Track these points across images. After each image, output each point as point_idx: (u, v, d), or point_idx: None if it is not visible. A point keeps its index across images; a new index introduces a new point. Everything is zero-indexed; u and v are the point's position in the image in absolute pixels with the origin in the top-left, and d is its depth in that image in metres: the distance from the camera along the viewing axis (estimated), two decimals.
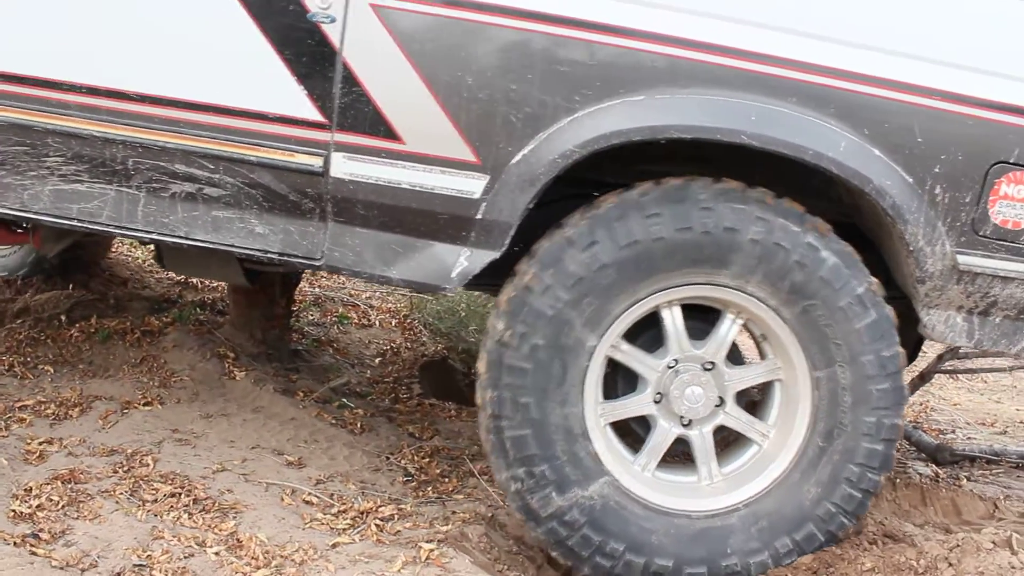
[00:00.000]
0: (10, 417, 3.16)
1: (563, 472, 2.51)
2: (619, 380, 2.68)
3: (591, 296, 2.45)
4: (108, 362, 3.73)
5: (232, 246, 2.65)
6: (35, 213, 2.72)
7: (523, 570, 2.70)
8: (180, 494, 2.78)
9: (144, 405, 3.36)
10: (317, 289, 5.08)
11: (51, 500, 2.64)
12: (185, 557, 2.45)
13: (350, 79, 2.41)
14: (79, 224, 2.71)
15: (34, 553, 2.35)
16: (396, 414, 3.76)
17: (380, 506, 2.83)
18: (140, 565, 2.38)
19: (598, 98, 2.36)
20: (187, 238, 2.65)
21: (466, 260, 2.51)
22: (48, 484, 2.73)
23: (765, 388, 2.74)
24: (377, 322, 4.94)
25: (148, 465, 2.93)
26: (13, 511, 2.55)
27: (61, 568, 2.31)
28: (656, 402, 2.61)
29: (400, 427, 3.59)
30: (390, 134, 2.43)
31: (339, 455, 3.19)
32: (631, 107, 2.36)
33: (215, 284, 4.93)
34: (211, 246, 2.66)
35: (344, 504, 2.83)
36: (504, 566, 2.67)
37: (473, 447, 3.46)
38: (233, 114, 2.49)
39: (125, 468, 2.91)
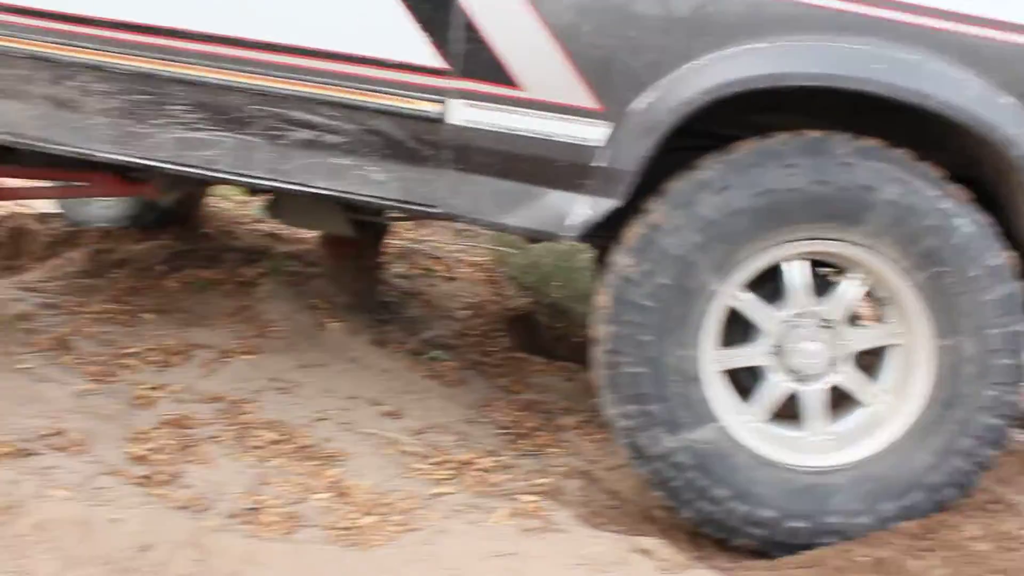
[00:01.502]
0: (118, 364, 3.25)
1: (675, 413, 2.52)
2: (734, 329, 2.67)
3: (720, 240, 2.44)
4: (205, 311, 3.82)
5: (350, 193, 2.67)
6: (158, 161, 2.78)
7: (621, 524, 2.71)
8: (283, 441, 2.85)
9: (242, 354, 3.43)
10: (403, 241, 5.12)
11: (164, 444, 2.73)
12: (294, 502, 2.51)
13: (470, 25, 2.41)
14: (199, 171, 2.76)
15: (154, 493, 2.44)
16: (486, 367, 3.79)
17: (478, 458, 2.87)
18: (252, 508, 2.45)
19: (720, 45, 2.33)
20: (305, 185, 2.69)
21: (585, 208, 2.50)
22: (159, 429, 2.82)
23: (879, 352, 2.71)
24: (463, 275, 4.97)
25: (250, 412, 3.01)
26: (130, 453, 2.64)
27: (180, 509, 2.39)
28: (771, 354, 2.60)
29: (491, 380, 3.62)
30: (509, 81, 2.43)
31: (434, 406, 3.24)
32: (754, 54, 2.32)
33: (304, 236, 5.00)
34: (329, 193, 2.69)
35: (443, 455, 2.87)
36: (602, 520, 2.69)
37: (564, 401, 3.48)
38: (353, 61, 2.50)
39: (229, 415, 2.99)
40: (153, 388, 3.10)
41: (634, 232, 2.50)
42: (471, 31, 2.42)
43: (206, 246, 4.56)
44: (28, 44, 2.74)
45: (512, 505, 2.57)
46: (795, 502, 2.57)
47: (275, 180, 2.72)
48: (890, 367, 2.65)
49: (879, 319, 2.72)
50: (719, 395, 2.59)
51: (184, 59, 2.62)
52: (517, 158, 2.51)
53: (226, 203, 5.55)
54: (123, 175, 3.60)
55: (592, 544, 2.36)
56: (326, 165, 2.65)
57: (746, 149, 2.44)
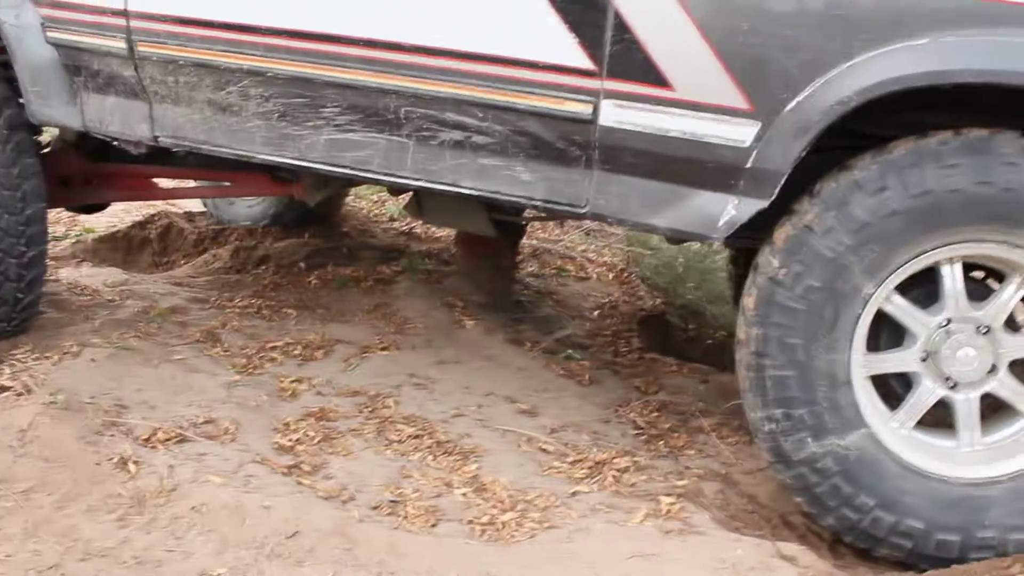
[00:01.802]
0: (263, 356, 3.37)
1: (822, 418, 2.46)
2: (883, 333, 2.59)
3: (874, 243, 2.37)
4: (344, 307, 3.92)
5: (498, 193, 2.70)
6: (311, 162, 2.87)
7: (759, 528, 2.66)
8: (423, 436, 2.90)
9: (381, 350, 3.51)
10: (535, 242, 5.15)
11: (307, 435, 2.81)
12: (434, 496, 2.56)
13: (621, 26, 2.39)
14: (351, 172, 2.84)
15: (300, 483, 2.51)
16: (619, 367, 3.77)
17: (614, 457, 2.85)
18: (394, 501, 2.51)
19: (878, 42, 2.25)
20: (454, 185, 2.72)
21: (734, 209, 2.46)
22: (303, 420, 2.91)
23: None
24: (594, 275, 4.96)
25: (390, 407, 3.07)
26: (276, 443, 2.73)
27: (325, 499, 2.46)
28: (923, 360, 2.52)
29: (625, 380, 3.61)
30: (660, 81, 2.40)
31: (569, 405, 3.24)
32: (914, 51, 2.25)
33: (438, 235, 5.09)
34: (477, 193, 2.72)
35: (579, 454, 2.87)
36: (740, 524, 2.65)
37: (699, 403, 3.44)
38: (504, 63, 2.52)
39: (369, 409, 3.06)
40: (296, 381, 3.20)
41: (783, 233, 2.45)
42: (623, 32, 2.40)
43: (345, 244, 4.68)
44: (194, 52, 2.86)
45: (651, 506, 2.55)
46: (945, 514, 2.47)
47: (424, 180, 2.76)
48: None
49: None
50: (867, 400, 2.52)
51: (339, 63, 2.68)
52: (666, 159, 2.48)
53: (363, 203, 5.69)
54: (273, 175, 3.75)
55: (733, 548, 2.32)
56: (475, 165, 2.68)
57: (904, 148, 2.35)
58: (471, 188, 2.72)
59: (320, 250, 4.53)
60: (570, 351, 3.75)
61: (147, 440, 2.60)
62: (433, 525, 2.42)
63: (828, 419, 2.46)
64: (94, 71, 3.08)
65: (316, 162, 2.86)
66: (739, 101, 2.36)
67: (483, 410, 3.12)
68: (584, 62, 2.45)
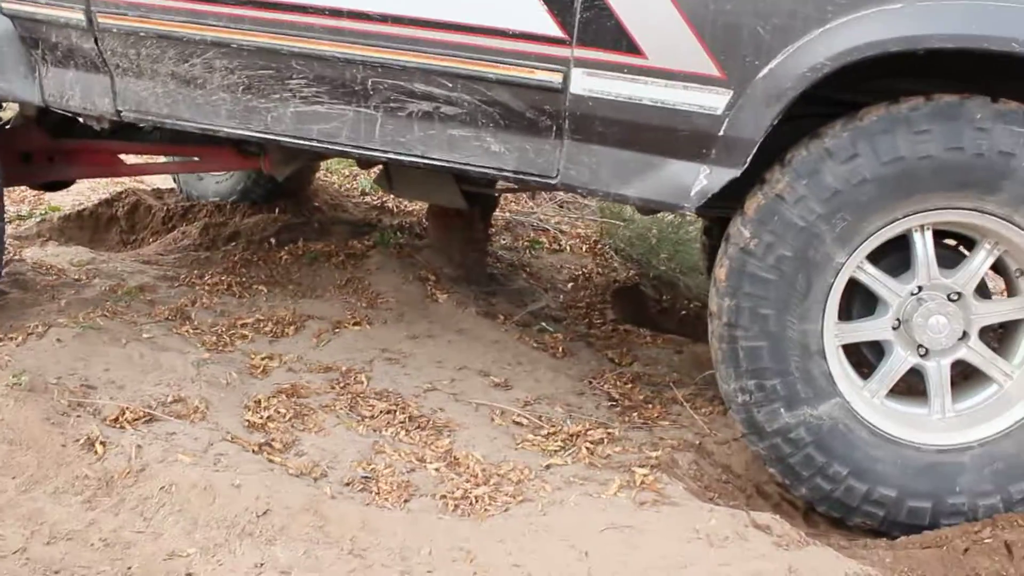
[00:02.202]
0: (233, 334, 3.33)
1: (794, 389, 2.46)
2: (855, 302, 2.59)
3: (845, 211, 2.36)
4: (316, 283, 3.88)
5: (468, 164, 2.67)
6: (277, 135, 2.83)
7: (733, 499, 2.67)
8: (395, 411, 2.88)
9: (353, 325, 3.48)
10: (508, 214, 5.12)
11: (279, 412, 2.78)
12: (407, 471, 2.54)
13: None
14: (319, 145, 2.80)
15: (271, 461, 2.49)
16: (593, 339, 3.76)
17: (589, 429, 2.85)
18: (367, 477, 2.49)
19: (853, 7, 2.23)
20: (423, 157, 2.69)
21: (706, 178, 2.45)
22: (274, 397, 2.88)
23: (1009, 327, 2.60)
24: (568, 247, 4.94)
25: (362, 383, 3.05)
26: (247, 421, 2.70)
27: (297, 476, 2.44)
28: (894, 328, 2.52)
29: (599, 352, 3.60)
30: (632, 49, 2.38)
31: (543, 378, 3.23)
32: (889, 16, 2.22)
33: (411, 208, 5.05)
34: (447, 165, 2.69)
35: (553, 426, 2.86)
36: (715, 494, 2.65)
37: (673, 374, 3.44)
38: (473, 31, 2.48)
39: (341, 385, 3.03)
40: (267, 358, 3.17)
41: (754, 203, 2.44)
42: None
43: (316, 219, 4.63)
44: (156, 23, 2.80)
45: (625, 477, 2.54)
46: (917, 481, 2.49)
47: (393, 152, 2.73)
48: (1022, 343, 2.54)
49: (1012, 293, 2.60)
50: (840, 370, 2.52)
51: (305, 34, 2.63)
52: (637, 127, 2.46)
53: (334, 177, 5.63)
54: (239, 150, 3.70)
55: (708, 518, 2.31)
56: (444, 137, 2.65)
57: (874, 115, 2.34)
58: (441, 160, 2.68)
59: (291, 225, 4.48)
60: (543, 324, 3.74)
61: (115, 420, 2.56)
62: (406, 501, 2.40)
63: (801, 389, 2.46)
64: (53, 44, 3.01)
65: (283, 135, 2.82)
66: (711, 68, 2.34)
67: (456, 384, 3.10)
68: (554, 30, 2.42)
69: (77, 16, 2.89)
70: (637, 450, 2.75)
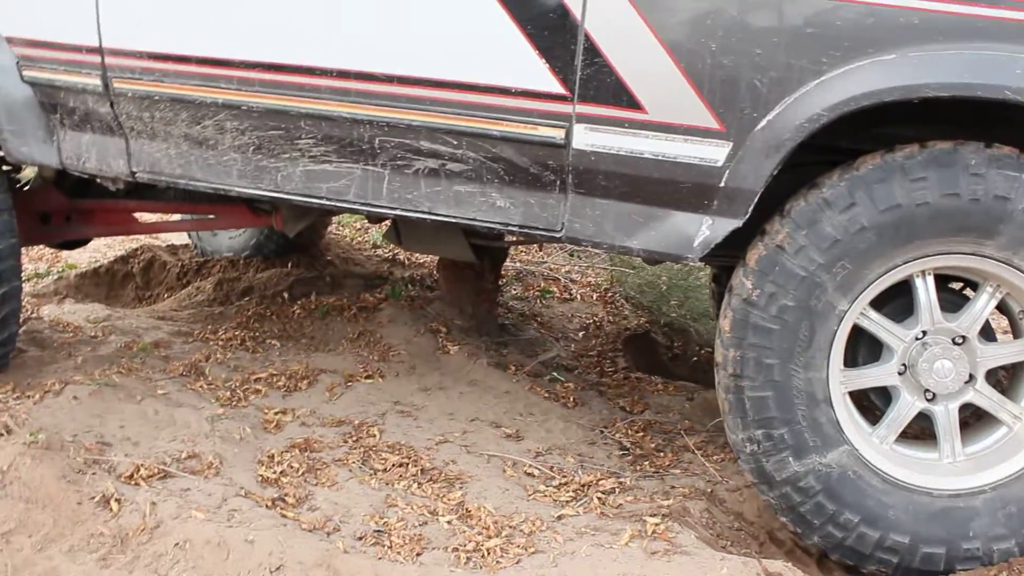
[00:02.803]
0: (247, 388, 3.36)
1: (802, 437, 2.47)
2: (861, 349, 2.61)
3: (846, 260, 2.38)
4: (328, 336, 3.92)
5: (474, 220, 2.71)
6: (288, 193, 2.89)
7: (746, 546, 2.67)
8: (407, 464, 2.90)
9: (366, 378, 3.51)
10: (518, 264, 5.16)
11: (292, 467, 2.80)
12: (420, 524, 2.55)
13: (592, 50, 2.41)
14: (328, 203, 2.85)
15: (284, 516, 2.50)
16: (605, 387, 3.78)
17: (600, 479, 2.86)
18: (379, 531, 2.49)
19: (847, 59, 2.27)
20: (430, 213, 2.74)
21: (708, 229, 2.48)
22: (287, 452, 2.90)
23: (1017, 368, 2.62)
24: (578, 296, 4.97)
25: (375, 436, 3.07)
26: (260, 476, 2.72)
27: (310, 531, 2.45)
28: (900, 373, 2.53)
29: (610, 401, 3.61)
30: (632, 104, 2.42)
31: (555, 428, 3.24)
32: (883, 66, 2.26)
33: (422, 260, 5.09)
34: (453, 220, 2.73)
35: (565, 477, 2.87)
36: (727, 542, 2.65)
37: (685, 421, 3.45)
38: (476, 90, 2.53)
39: (354, 438, 3.05)
40: (281, 412, 3.19)
41: (756, 254, 2.46)
42: (593, 55, 2.42)
43: (328, 273, 4.68)
44: (169, 87, 2.88)
45: (637, 527, 2.54)
46: (930, 527, 2.48)
47: (401, 209, 2.77)
48: None
49: (1016, 335, 2.61)
50: (847, 417, 2.52)
51: (313, 95, 2.69)
52: (639, 180, 2.50)
53: (346, 230, 5.70)
54: (252, 207, 3.77)
55: (719, 567, 2.31)
56: (450, 193, 2.70)
57: (870, 164, 2.37)
58: (447, 215, 2.73)
59: (303, 279, 4.53)
60: (555, 373, 3.76)
61: (130, 477, 2.59)
62: (418, 554, 2.41)
63: (808, 437, 2.47)
64: (70, 108, 3.09)
65: (293, 194, 2.88)
66: (710, 121, 2.38)
67: (468, 436, 3.12)
68: (555, 87, 2.47)
69: (94, 82, 2.97)
70: (649, 499, 2.76)
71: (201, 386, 3.34)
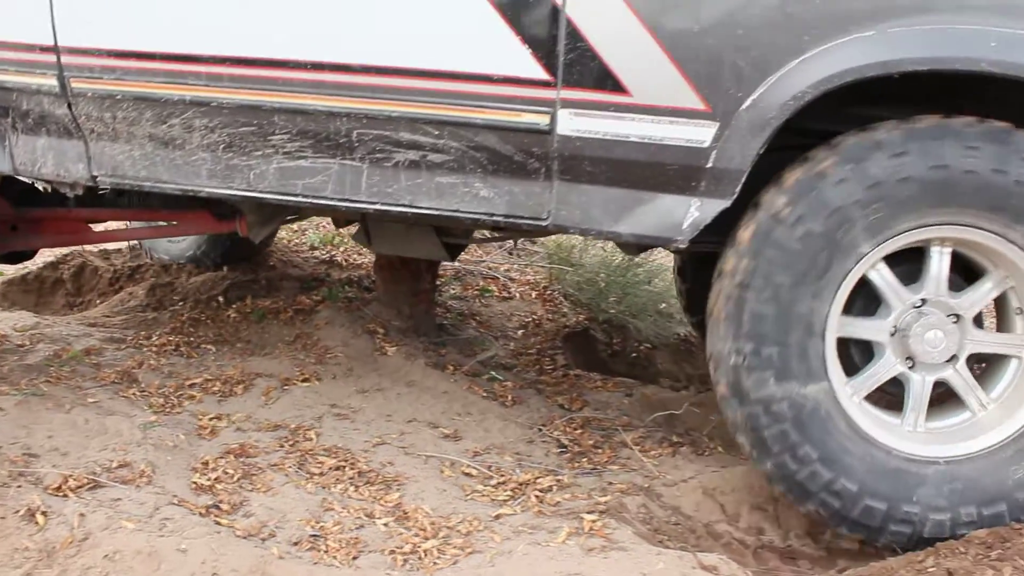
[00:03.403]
0: (181, 395, 3.31)
1: (788, 362, 2.47)
2: (856, 301, 2.62)
3: (882, 203, 2.39)
4: (264, 340, 3.88)
5: (457, 211, 2.65)
6: (261, 192, 2.79)
7: (683, 540, 2.69)
8: (344, 467, 2.88)
9: (302, 381, 3.48)
10: (457, 264, 5.15)
11: (227, 473, 2.76)
12: (356, 528, 2.53)
13: (574, 34, 2.39)
14: (304, 200, 2.77)
15: (218, 523, 2.46)
16: (543, 386, 3.79)
17: (538, 478, 2.86)
18: (315, 535, 2.47)
19: (827, 36, 2.29)
20: (412, 206, 2.68)
21: (697, 211, 2.48)
22: (222, 458, 2.86)
23: (993, 361, 2.68)
24: (517, 294, 4.98)
25: (311, 439, 3.04)
26: (194, 483, 2.68)
27: (244, 537, 2.41)
28: (891, 334, 2.57)
29: (549, 399, 3.62)
30: (617, 87, 2.41)
31: (493, 427, 3.24)
32: (863, 43, 2.29)
33: (360, 262, 5.06)
34: (435, 213, 2.67)
35: (503, 476, 2.87)
36: (664, 536, 2.67)
37: (623, 417, 3.46)
38: (458, 78, 2.49)
39: (290, 442, 3.02)
40: (216, 418, 3.15)
41: (793, 175, 2.46)
42: (576, 40, 2.39)
43: (264, 276, 4.63)
44: (132, 85, 2.76)
45: (574, 524, 2.55)
46: (879, 481, 2.52)
47: (381, 203, 2.70)
48: (1003, 377, 2.62)
49: (1003, 329, 2.69)
50: (832, 357, 2.54)
51: (287, 88, 2.62)
52: (626, 164, 2.48)
53: (282, 232, 5.63)
54: (214, 212, 3.62)
55: (655, 562, 2.33)
56: (432, 185, 2.64)
57: (930, 122, 2.40)
58: (429, 208, 2.67)
59: (238, 283, 4.48)
60: (493, 372, 3.76)
61: (57, 489, 2.53)
62: (355, 558, 2.39)
63: (795, 364, 2.48)
64: (23, 111, 2.95)
65: (267, 192, 2.79)
66: (695, 102, 2.39)
67: (406, 437, 3.10)
68: (539, 72, 2.44)
69: (49, 82, 2.84)
70: (586, 496, 2.77)
71: (134, 393, 3.28)
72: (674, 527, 2.75)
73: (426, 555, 2.40)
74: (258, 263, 4.90)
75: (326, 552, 2.41)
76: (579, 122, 2.46)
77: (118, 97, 2.79)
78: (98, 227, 4.36)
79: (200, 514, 2.51)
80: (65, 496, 2.50)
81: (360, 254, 5.30)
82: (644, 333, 4.68)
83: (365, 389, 3.44)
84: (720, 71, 2.36)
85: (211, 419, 3.13)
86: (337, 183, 2.71)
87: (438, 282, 4.39)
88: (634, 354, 4.51)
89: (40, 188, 3.66)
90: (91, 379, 3.36)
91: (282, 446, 2.99)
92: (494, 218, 2.66)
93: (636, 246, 3.04)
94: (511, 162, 2.56)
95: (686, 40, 2.36)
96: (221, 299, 4.26)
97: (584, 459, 3.07)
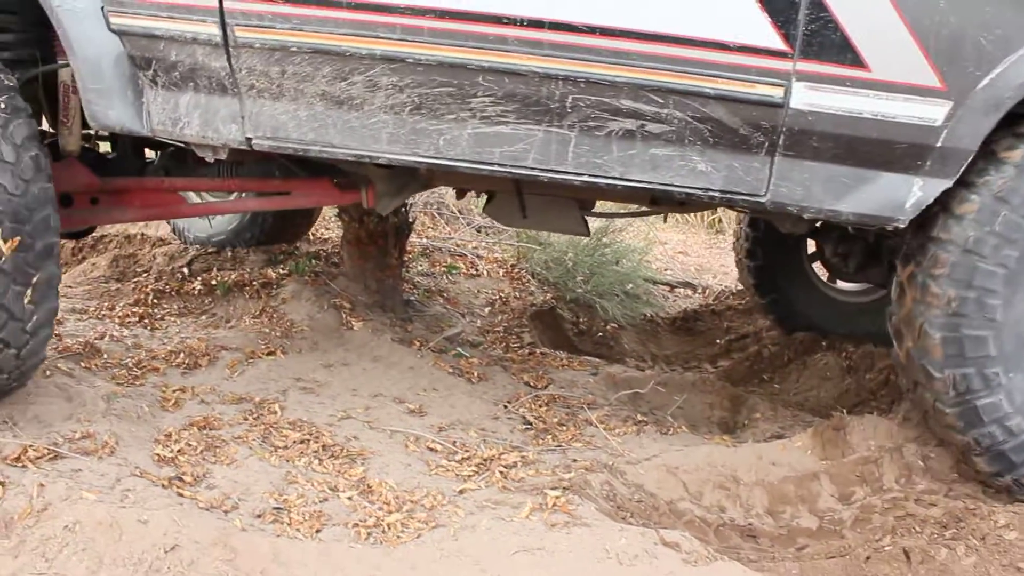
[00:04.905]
0: (145, 367, 3.28)
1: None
2: None
3: None
4: (229, 313, 3.85)
5: (671, 185, 2.55)
6: (451, 160, 2.59)
7: (646, 517, 2.71)
8: (309, 440, 2.87)
9: (267, 355, 3.46)
10: (425, 240, 5.14)
11: (190, 445, 2.74)
12: (320, 501, 2.53)
13: (818, 4, 2.33)
14: (500, 170, 2.58)
15: (181, 495, 2.45)
16: (510, 363, 3.80)
17: (502, 453, 2.87)
18: (278, 508, 2.47)
19: None
20: (621, 179, 2.55)
21: (920, 190, 2.46)
22: (185, 430, 2.84)
23: None
24: (485, 272, 4.98)
25: (276, 413, 3.03)
26: (157, 455, 2.66)
27: (207, 509, 2.40)
28: None
29: (515, 376, 3.63)
30: (856, 61, 2.36)
31: (458, 403, 3.25)
32: None
33: (326, 236, 5.03)
34: (648, 186, 2.56)
35: (467, 451, 2.88)
36: (627, 513, 2.69)
37: (588, 396, 3.48)
38: (691, 44, 2.38)
39: (255, 415, 3.00)
40: (179, 390, 3.13)
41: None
42: (818, 10, 2.33)
43: (229, 248, 4.59)
44: (311, 36, 2.50)
45: (537, 500, 2.56)
46: None
47: (588, 175, 2.55)
48: None
49: None
50: None
51: (499, 47, 2.42)
52: (855, 141, 2.44)
53: None
54: (338, 182, 3.34)
55: (618, 538, 2.35)
56: (646, 156, 2.52)
57: None
58: (641, 181, 2.55)
59: (204, 255, 4.44)
60: (460, 349, 3.76)
61: (16, 459, 2.50)
62: (318, 531, 2.39)
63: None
64: (170, 63, 2.64)
65: (458, 160, 2.58)
66: (933, 80, 2.36)
67: (371, 412, 3.10)
68: (777, 42, 2.37)
69: (208, 31, 2.55)
70: (550, 472, 2.78)
71: (96, 364, 3.25)
72: (637, 504, 2.77)
73: (390, 529, 2.40)
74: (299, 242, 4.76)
75: (289, 525, 2.40)
76: (813, 96, 2.40)
77: (292, 49, 2.52)
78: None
79: (162, 486, 2.49)
80: (24, 467, 2.47)
81: (327, 228, 5.28)
82: (611, 313, 4.71)
83: (331, 363, 3.42)
84: (960, 49, 2.33)
85: (175, 391, 3.11)
86: (540, 152, 2.54)
87: (405, 258, 4.38)
88: (600, 333, 4.53)
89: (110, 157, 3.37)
90: (53, 350, 3.32)
91: (246, 419, 2.98)
92: (710, 193, 2.56)
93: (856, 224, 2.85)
94: (735, 135, 2.48)
95: (931, 16, 2.32)
96: (186, 271, 4.22)
97: (549, 436, 3.09)
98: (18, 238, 2.50)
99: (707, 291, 5.74)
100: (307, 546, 2.29)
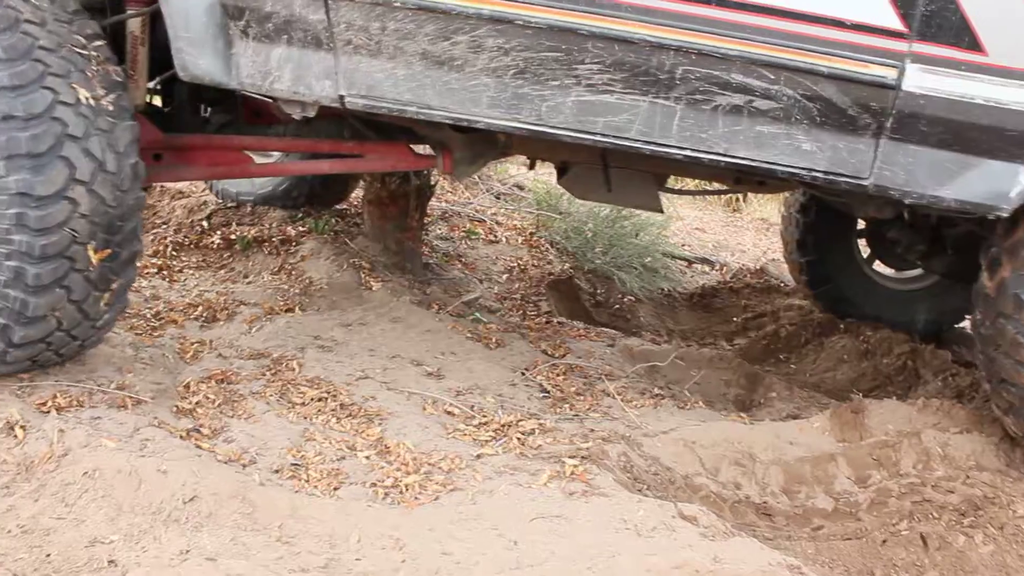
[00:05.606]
0: (163, 319, 3.27)
1: None
2: None
3: None
4: (248, 268, 3.84)
5: (775, 164, 2.51)
6: (552, 127, 2.53)
7: (662, 490, 2.70)
8: (326, 398, 2.86)
9: (285, 311, 3.46)
10: (444, 204, 5.11)
11: (208, 399, 2.74)
12: (338, 459, 2.52)
13: None
14: (602, 140, 2.54)
15: (199, 447, 2.45)
16: (527, 331, 3.78)
17: (520, 420, 2.86)
18: (296, 464, 2.46)
19: None
20: (725, 155, 2.50)
21: None
22: (203, 383, 2.83)
23: None
24: (504, 238, 4.96)
25: (294, 369, 3.02)
26: (176, 406, 2.66)
27: (225, 463, 2.40)
28: None
29: (532, 343, 3.61)
30: (974, 45, 2.32)
31: (476, 368, 3.23)
32: None
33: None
34: (751, 164, 2.52)
35: (485, 416, 2.87)
36: (644, 485, 2.68)
37: (606, 367, 3.47)
38: (808, 19, 2.35)
39: (272, 371, 3.00)
40: (198, 343, 3.12)
41: None
42: None
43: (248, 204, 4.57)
44: None
45: (555, 468, 2.55)
46: None
47: (691, 149, 2.51)
48: None
49: None
50: None
51: (611, 12, 2.38)
52: (964, 127, 2.40)
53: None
54: (414, 147, 3.27)
55: (636, 509, 2.34)
56: (752, 133, 2.47)
57: None
58: (744, 158, 2.51)
59: (224, 210, 4.42)
60: (477, 314, 3.74)
61: (41, 405, 2.50)
62: (336, 488, 2.39)
63: None
64: (264, 14, 2.55)
65: (559, 128, 2.52)
66: None
67: (388, 372, 3.09)
68: (894, 22, 2.33)
69: None
70: (568, 441, 2.77)
71: None
72: (653, 477, 2.76)
73: (407, 489, 2.40)
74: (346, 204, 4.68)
75: (307, 481, 2.40)
76: (927, 79, 2.37)
77: (396, 4, 2.45)
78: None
79: (181, 437, 2.49)
80: (45, 412, 2.47)
81: None
82: (628, 285, 4.69)
83: (349, 323, 3.41)
84: None
85: (193, 344, 3.11)
86: (645, 123, 2.48)
87: (425, 221, 4.36)
88: (617, 305, 4.52)
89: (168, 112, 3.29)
90: None
91: (264, 375, 2.97)
92: (813, 174, 2.52)
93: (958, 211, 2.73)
94: (843, 115, 2.44)
95: None
96: (205, 224, 4.21)
97: (566, 405, 3.08)
98: (109, 250, 2.51)
99: (724, 268, 5.72)
100: (325, 503, 2.29)
